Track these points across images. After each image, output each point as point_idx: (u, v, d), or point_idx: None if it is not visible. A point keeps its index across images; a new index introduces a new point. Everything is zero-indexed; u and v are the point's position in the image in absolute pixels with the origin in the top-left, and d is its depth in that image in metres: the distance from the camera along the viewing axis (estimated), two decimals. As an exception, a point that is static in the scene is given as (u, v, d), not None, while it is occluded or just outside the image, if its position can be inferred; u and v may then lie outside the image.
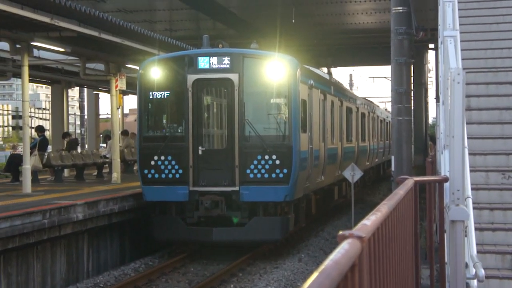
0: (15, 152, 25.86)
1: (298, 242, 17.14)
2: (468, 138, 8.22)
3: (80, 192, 16.55)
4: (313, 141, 16.43)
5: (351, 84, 63.83)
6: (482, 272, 5.63)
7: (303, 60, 19.79)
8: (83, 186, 18.49)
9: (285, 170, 14.39)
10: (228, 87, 14.88)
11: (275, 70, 14.64)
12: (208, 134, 15.46)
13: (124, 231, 16.02)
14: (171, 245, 16.24)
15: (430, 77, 43.58)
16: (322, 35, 31.83)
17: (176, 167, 14.80)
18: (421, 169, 26.60)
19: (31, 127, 27.45)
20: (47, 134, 28.07)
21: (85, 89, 34.20)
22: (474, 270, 5.84)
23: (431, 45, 32.86)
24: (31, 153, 17.58)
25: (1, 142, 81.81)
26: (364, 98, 31.47)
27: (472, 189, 7.49)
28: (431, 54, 36.22)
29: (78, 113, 49.13)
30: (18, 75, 18.87)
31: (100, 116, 37.85)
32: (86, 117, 38.34)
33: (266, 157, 14.44)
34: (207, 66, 14.89)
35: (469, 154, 8.19)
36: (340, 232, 2.53)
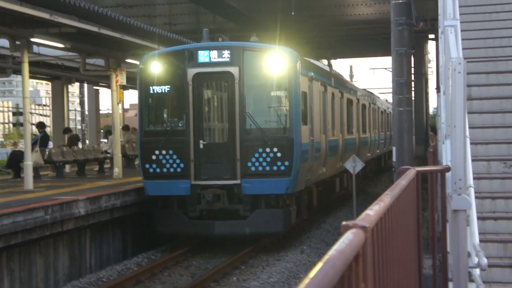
0: (16, 149, 25.86)
1: (300, 234, 17.17)
2: (469, 127, 8.22)
3: (82, 187, 16.57)
4: (314, 133, 16.43)
5: (351, 76, 63.76)
6: (484, 260, 5.64)
7: (303, 52, 19.78)
8: (85, 182, 18.51)
9: (286, 163, 14.40)
10: (228, 81, 14.87)
11: (275, 63, 14.63)
12: (209, 128, 15.46)
13: (126, 226, 16.04)
14: (173, 239, 16.27)
15: (430, 67, 43.55)
16: (322, 27, 31.79)
17: (178, 161, 14.81)
18: (422, 159, 26.63)
19: (32, 124, 27.45)
20: (48, 130, 28.08)
21: (85, 85, 34.18)
22: (476, 259, 5.85)
23: (431, 36, 32.83)
24: (32, 149, 17.59)
25: (2, 139, 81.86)
26: (365, 90, 31.45)
27: (474, 178, 7.49)
28: (431, 45, 36.18)
29: (78, 109, 49.12)
30: (18, 71, 18.86)
31: (101, 112, 37.82)
32: (86, 112, 38.33)
33: (267, 149, 14.45)
34: (207, 60, 14.88)
35: (471, 143, 8.19)
36: (344, 222, 2.53)
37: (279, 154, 14.42)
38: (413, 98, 21.76)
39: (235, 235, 14.86)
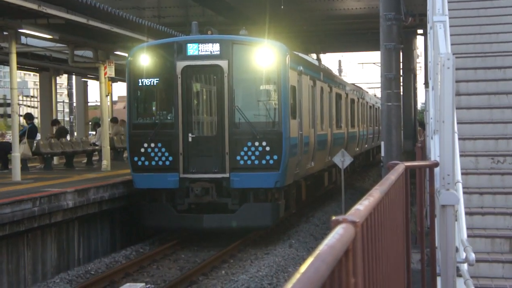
0: (4, 140, 25.74)
1: (289, 228, 17.21)
2: (457, 123, 8.26)
3: (70, 179, 16.52)
4: (303, 127, 16.45)
5: (340, 70, 63.86)
6: (472, 256, 5.68)
7: (292, 46, 19.78)
8: (73, 174, 18.45)
9: (275, 157, 14.42)
10: (217, 74, 14.85)
11: (264, 57, 14.62)
12: (198, 121, 15.44)
13: (114, 218, 16.02)
14: (162, 232, 16.27)
15: (419, 62, 43.67)
16: (311, 21, 31.77)
17: (166, 154, 14.79)
18: (410, 154, 26.71)
19: (19, 115, 27.30)
20: (36, 121, 27.94)
21: (74, 77, 34.02)
22: (464, 254, 5.89)
23: (420, 31, 32.90)
24: (20, 141, 17.50)
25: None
26: (353, 84, 31.50)
27: (462, 173, 7.53)
28: (419, 40, 36.19)
29: (66, 100, 48.89)
30: (6, 62, 18.75)
31: (89, 104, 37.66)
32: (75, 104, 38.17)
33: (256, 143, 14.46)
34: (196, 53, 14.85)
35: (459, 139, 8.23)
36: (334, 217, 2.54)
37: (268, 148, 14.44)
38: (401, 93, 21.82)
39: (224, 228, 14.87)
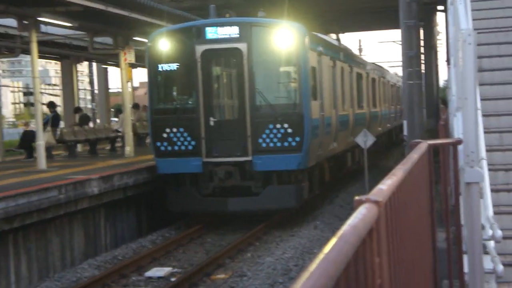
0: (28, 129, 25.94)
1: (313, 209, 17.21)
2: (481, 99, 8.17)
3: (94, 166, 16.66)
4: (324, 108, 16.39)
5: (360, 50, 63.38)
6: (499, 232, 5.64)
7: (311, 27, 19.63)
8: (97, 161, 18.60)
9: (297, 138, 14.39)
10: (237, 57, 14.82)
11: (283, 38, 14.55)
12: (219, 105, 15.45)
13: (139, 204, 16.14)
14: (187, 217, 16.36)
15: (440, 39, 43.17)
16: (329, 1, 31.52)
17: (189, 138, 14.84)
18: (434, 132, 26.50)
19: (42, 104, 27.54)
20: (59, 109, 28.16)
21: (94, 64, 34.18)
22: (490, 231, 5.85)
23: (440, 7, 32.48)
24: (44, 129, 17.66)
25: (14, 119, 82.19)
26: (374, 63, 31.27)
27: (487, 150, 7.45)
28: (440, 16, 35.74)
29: (88, 88, 49.18)
30: (27, 51, 18.87)
31: (110, 90, 37.83)
32: (96, 91, 38.37)
33: (278, 126, 14.44)
34: (215, 37, 14.82)
35: (483, 115, 8.14)
36: (357, 197, 2.53)
37: (289, 130, 14.41)
38: (423, 71, 21.61)
39: (248, 211, 14.91)
